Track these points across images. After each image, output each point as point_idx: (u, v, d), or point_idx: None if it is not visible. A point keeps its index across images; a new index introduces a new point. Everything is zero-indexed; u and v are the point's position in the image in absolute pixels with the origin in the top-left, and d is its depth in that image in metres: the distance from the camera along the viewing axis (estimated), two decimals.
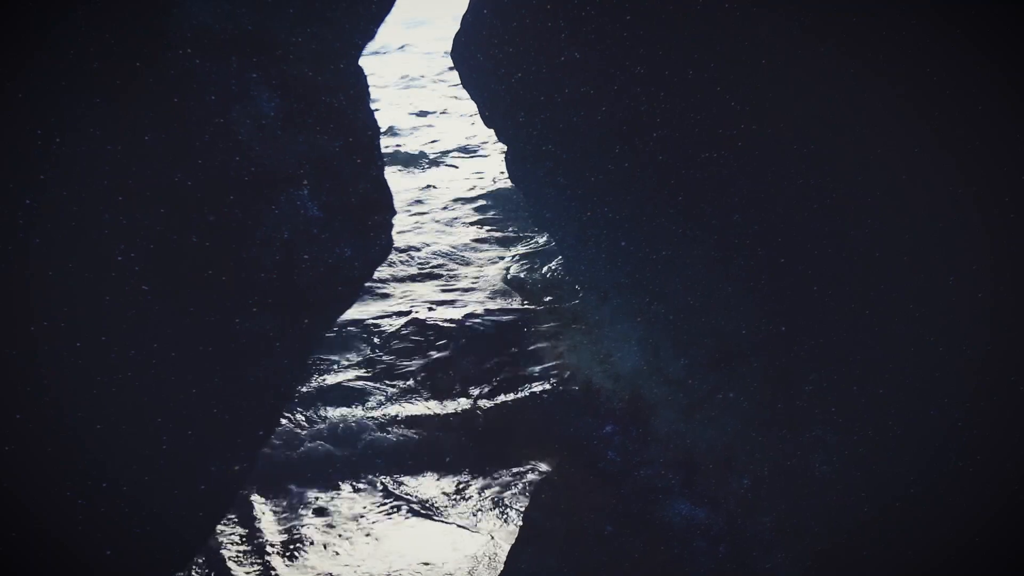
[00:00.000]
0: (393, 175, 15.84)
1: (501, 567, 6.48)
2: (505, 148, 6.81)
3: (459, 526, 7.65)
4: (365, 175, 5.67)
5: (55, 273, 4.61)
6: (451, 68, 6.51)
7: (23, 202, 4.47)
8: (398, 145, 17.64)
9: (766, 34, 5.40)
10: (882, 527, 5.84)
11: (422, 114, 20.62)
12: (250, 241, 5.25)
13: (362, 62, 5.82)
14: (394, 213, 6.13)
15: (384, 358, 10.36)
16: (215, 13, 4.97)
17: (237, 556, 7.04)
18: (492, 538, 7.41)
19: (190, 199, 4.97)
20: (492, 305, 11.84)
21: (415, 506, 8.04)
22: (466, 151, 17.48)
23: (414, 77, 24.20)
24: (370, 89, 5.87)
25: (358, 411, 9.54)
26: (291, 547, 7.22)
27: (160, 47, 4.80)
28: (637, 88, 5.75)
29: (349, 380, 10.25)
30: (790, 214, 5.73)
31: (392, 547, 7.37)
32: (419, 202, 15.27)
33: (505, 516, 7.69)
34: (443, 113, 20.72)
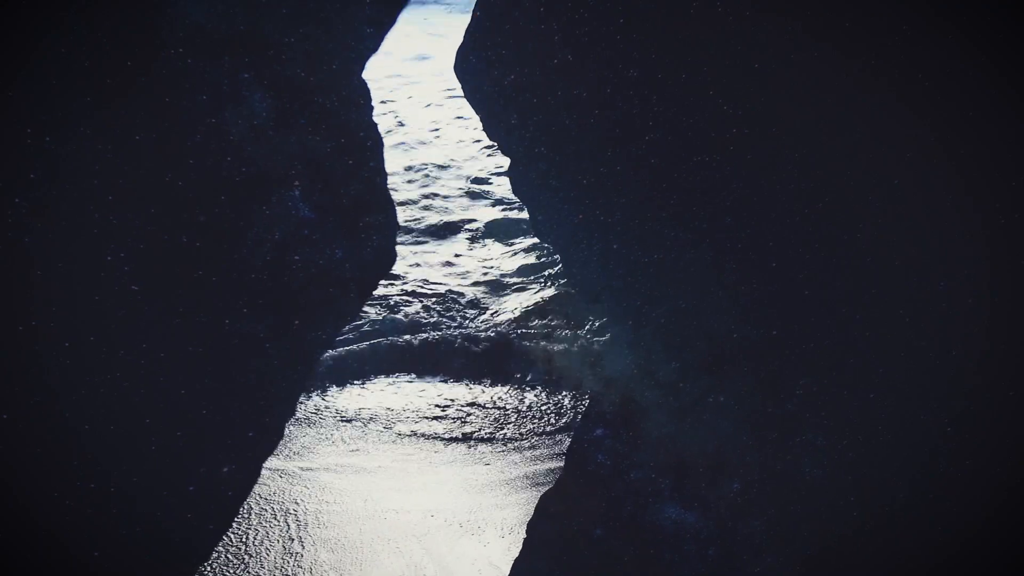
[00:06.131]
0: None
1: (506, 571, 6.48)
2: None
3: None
4: (357, 176, 5.66)
5: (45, 272, 4.60)
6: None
7: (13, 200, 4.46)
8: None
9: (759, 37, 5.41)
10: (872, 531, 5.84)
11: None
12: (241, 242, 5.23)
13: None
14: (397, 227, 6.11)
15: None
16: (209, 13, 4.96)
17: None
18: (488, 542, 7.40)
19: (181, 199, 4.96)
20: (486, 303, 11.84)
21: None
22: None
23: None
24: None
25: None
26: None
27: (153, 46, 4.79)
28: (630, 91, 5.74)
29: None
30: (782, 218, 5.74)
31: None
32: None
33: (500, 518, 7.67)
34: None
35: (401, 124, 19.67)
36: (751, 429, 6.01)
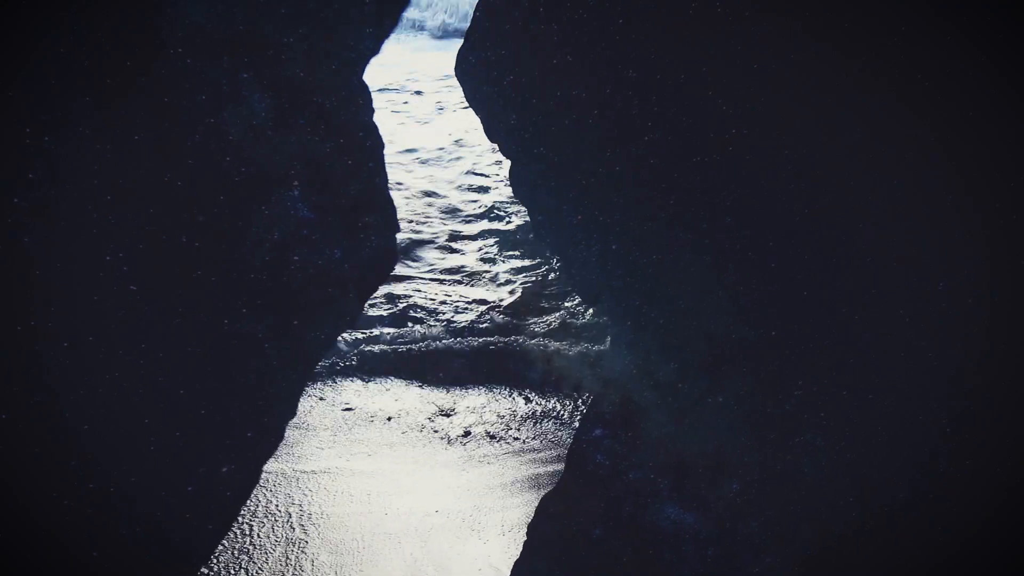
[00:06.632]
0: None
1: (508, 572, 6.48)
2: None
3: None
4: (357, 176, 5.67)
5: (44, 272, 4.60)
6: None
7: (12, 201, 4.46)
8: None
9: (759, 37, 5.41)
10: (872, 531, 5.83)
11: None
12: (240, 242, 5.24)
13: None
14: (397, 228, 6.11)
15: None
16: (209, 13, 4.96)
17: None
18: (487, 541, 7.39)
19: (180, 199, 4.96)
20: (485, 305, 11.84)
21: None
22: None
23: None
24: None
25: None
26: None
27: (153, 46, 4.79)
28: (629, 91, 5.74)
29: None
30: (782, 218, 5.73)
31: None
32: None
33: (500, 520, 7.67)
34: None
35: (402, 122, 19.71)
36: (751, 429, 6.01)
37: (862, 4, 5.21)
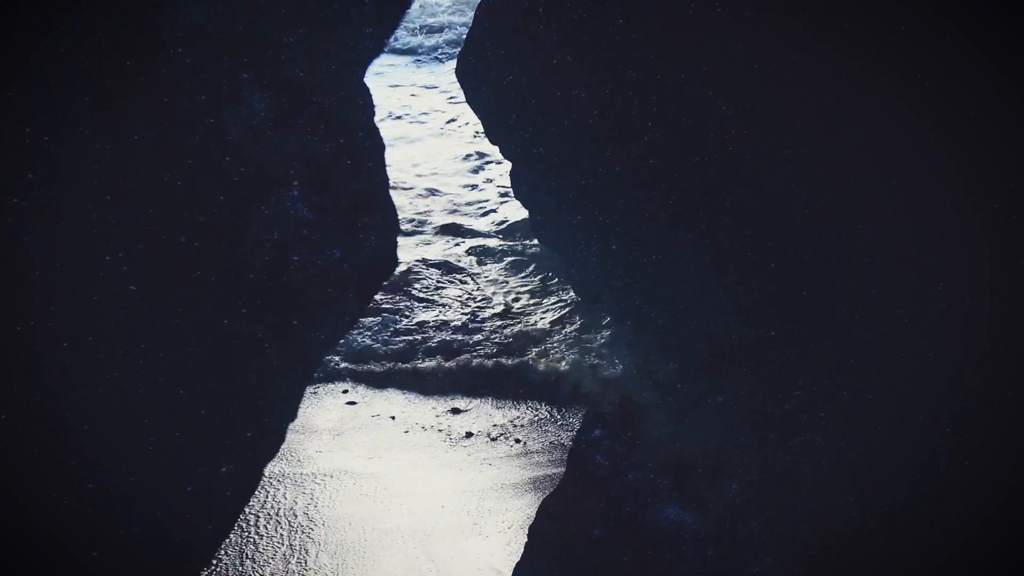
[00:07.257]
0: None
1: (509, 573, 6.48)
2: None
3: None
4: (357, 176, 5.67)
5: (44, 272, 4.60)
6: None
7: (12, 201, 4.46)
8: None
9: (759, 37, 5.42)
10: (872, 531, 5.83)
11: None
12: (240, 242, 5.24)
13: None
14: (397, 229, 6.10)
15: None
16: (209, 13, 4.97)
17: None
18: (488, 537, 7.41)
19: (180, 199, 4.96)
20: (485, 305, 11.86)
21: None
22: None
23: None
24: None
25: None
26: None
27: (153, 46, 4.80)
28: (629, 91, 5.75)
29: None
30: (782, 218, 5.74)
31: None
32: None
33: (501, 521, 7.68)
34: None
35: (399, 119, 19.69)
36: (750, 429, 6.00)
37: (862, 4, 5.21)
